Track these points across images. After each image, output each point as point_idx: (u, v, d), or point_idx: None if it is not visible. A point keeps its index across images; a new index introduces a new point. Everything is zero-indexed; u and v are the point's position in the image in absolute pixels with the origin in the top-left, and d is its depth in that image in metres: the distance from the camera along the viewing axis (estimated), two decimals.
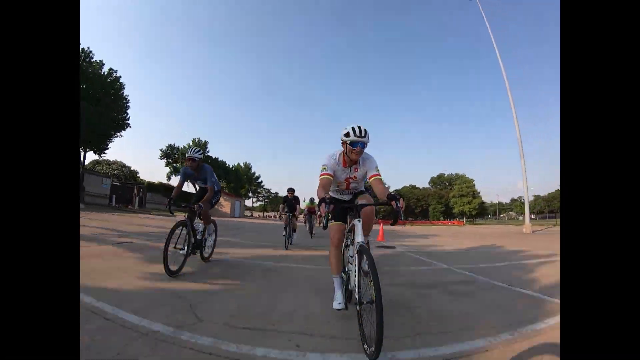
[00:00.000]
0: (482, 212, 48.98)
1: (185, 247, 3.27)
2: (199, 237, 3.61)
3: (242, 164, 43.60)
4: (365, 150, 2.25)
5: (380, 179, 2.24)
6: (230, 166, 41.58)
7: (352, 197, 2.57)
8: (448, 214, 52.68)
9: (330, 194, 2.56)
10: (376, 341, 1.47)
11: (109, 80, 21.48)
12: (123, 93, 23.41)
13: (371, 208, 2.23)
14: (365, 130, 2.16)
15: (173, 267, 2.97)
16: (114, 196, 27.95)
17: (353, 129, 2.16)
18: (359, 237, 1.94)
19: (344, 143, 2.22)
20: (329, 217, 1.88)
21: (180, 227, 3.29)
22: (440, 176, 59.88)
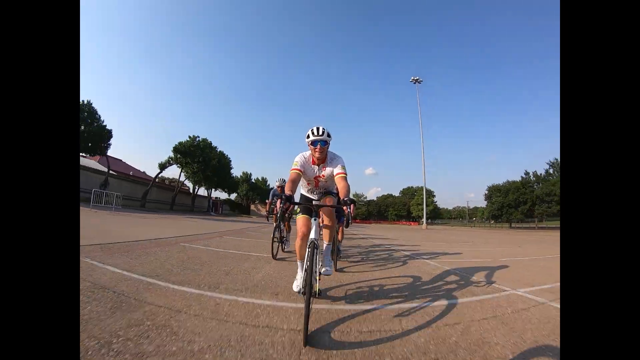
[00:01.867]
0: (435, 215, 67.05)
1: (279, 241, 4.95)
2: (283, 234, 5.17)
3: (260, 178, 60.33)
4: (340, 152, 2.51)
5: (344, 177, 2.38)
6: (253, 180, 59.02)
7: (320, 196, 2.78)
8: (409, 217, 68.87)
9: (302, 192, 2.84)
10: (303, 329, 1.65)
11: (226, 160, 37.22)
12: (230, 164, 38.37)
13: (330, 209, 2.53)
14: (323, 129, 2.37)
15: (275, 253, 4.62)
16: (213, 207, 47.99)
17: (312, 130, 2.38)
18: (312, 234, 2.16)
19: (308, 144, 2.43)
20: (285, 212, 2.14)
21: (276, 229, 4.84)
22: (409, 188, 75.24)
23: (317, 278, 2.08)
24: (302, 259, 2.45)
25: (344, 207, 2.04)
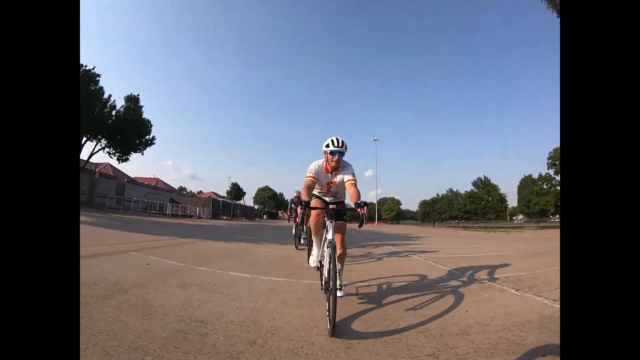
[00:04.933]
0: (399, 217, 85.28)
1: (298, 236, 6.98)
2: (300, 234, 6.97)
3: (278, 193, 76.52)
4: (347, 159, 2.67)
5: (355, 183, 2.56)
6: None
7: (334, 203, 2.92)
8: (380, 219, 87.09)
9: (313, 195, 2.99)
10: (330, 321, 1.79)
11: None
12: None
13: (341, 235, 2.64)
14: (342, 142, 2.53)
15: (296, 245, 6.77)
16: (264, 215, 60.96)
17: (332, 140, 2.52)
18: (330, 235, 2.24)
19: (325, 152, 2.58)
20: (304, 217, 2.54)
21: (295, 227, 6.97)
22: (383, 198, 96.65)
23: (338, 274, 2.24)
24: (317, 234, 2.70)
25: (358, 209, 2.23)
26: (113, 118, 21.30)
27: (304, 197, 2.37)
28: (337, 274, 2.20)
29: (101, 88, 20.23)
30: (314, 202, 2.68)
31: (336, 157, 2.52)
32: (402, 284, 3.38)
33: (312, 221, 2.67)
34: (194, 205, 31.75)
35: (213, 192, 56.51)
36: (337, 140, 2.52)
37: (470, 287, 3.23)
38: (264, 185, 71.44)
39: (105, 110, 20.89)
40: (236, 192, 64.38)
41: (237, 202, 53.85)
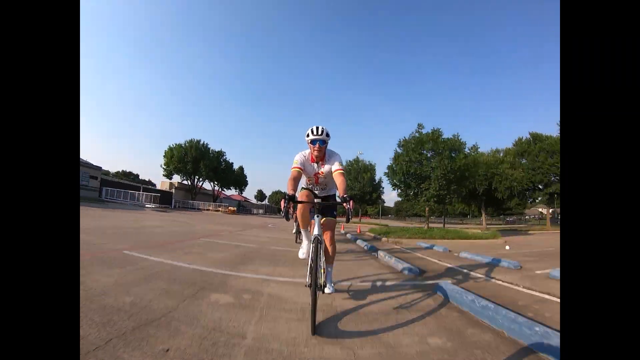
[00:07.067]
0: (382, 212, 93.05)
1: (298, 231, 7.64)
2: (299, 229, 7.18)
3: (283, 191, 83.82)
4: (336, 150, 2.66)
5: (342, 173, 2.48)
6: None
7: (321, 193, 2.86)
8: (365, 213, 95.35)
9: (302, 187, 2.92)
10: (311, 320, 1.76)
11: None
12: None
13: (330, 229, 2.61)
14: (322, 129, 2.47)
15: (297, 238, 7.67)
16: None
17: (312, 129, 2.48)
18: (316, 230, 2.19)
19: (308, 142, 2.53)
20: (289, 210, 2.30)
21: (295, 223, 7.42)
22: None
23: (322, 272, 2.18)
24: (305, 227, 2.64)
25: (344, 204, 2.17)
26: (233, 173, 44.34)
27: (289, 190, 2.27)
28: (324, 272, 2.16)
29: (232, 164, 43.94)
30: (301, 194, 2.60)
31: (317, 145, 2.46)
32: (391, 282, 3.39)
33: (298, 214, 2.60)
34: (256, 208, 57.68)
35: (242, 196, 77.09)
36: (317, 128, 2.46)
37: None
38: (276, 189, 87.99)
39: (230, 173, 43.51)
40: (260, 196, 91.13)
41: (262, 202, 77.02)
